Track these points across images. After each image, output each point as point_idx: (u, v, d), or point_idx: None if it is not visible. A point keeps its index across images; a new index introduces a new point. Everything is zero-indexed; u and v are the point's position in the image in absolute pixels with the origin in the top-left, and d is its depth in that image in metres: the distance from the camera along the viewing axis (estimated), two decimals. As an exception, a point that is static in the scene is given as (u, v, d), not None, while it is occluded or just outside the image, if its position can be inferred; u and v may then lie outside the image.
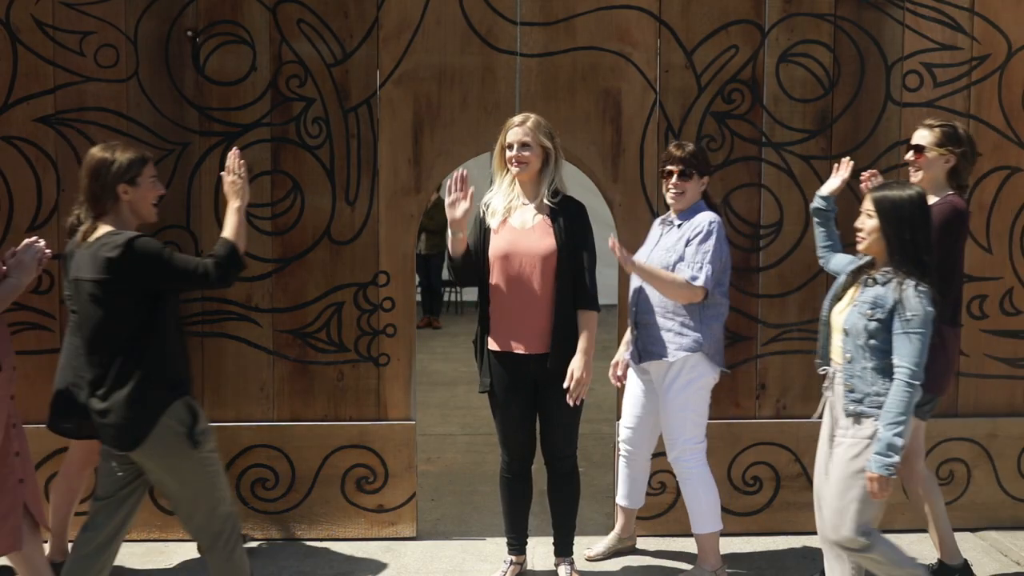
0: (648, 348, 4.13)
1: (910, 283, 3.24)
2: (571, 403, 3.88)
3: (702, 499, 4.14)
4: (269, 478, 4.66)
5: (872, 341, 3.28)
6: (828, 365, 3.53)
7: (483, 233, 4.01)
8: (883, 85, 4.73)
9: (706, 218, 4.07)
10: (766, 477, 4.70)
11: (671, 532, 4.68)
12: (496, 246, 3.95)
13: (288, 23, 4.56)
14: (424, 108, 4.64)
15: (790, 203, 4.71)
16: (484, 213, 4.03)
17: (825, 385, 3.54)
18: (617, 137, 4.65)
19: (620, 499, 4.53)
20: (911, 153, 4.01)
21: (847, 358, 3.37)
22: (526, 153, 3.89)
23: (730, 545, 4.55)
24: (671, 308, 4.07)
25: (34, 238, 3.49)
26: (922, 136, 3.99)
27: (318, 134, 4.61)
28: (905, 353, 3.22)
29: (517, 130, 3.91)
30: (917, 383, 3.21)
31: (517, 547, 4.24)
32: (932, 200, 3.87)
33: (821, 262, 4.13)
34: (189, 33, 4.53)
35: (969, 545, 4.67)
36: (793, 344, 4.73)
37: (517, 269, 3.92)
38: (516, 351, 3.94)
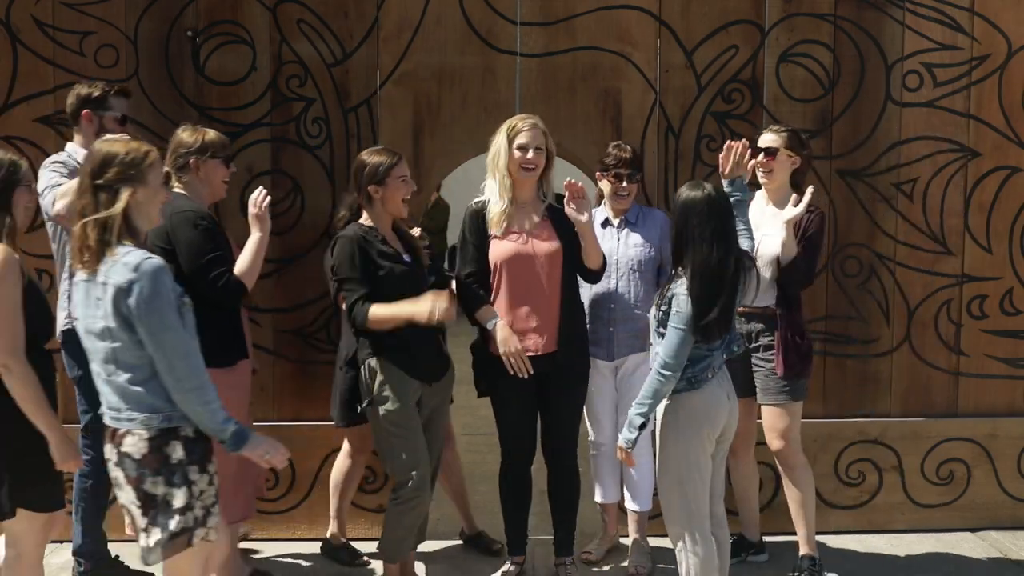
0: (631, 343, 4.25)
1: (682, 282, 3.36)
2: (573, 208, 3.84)
3: (651, 480, 4.27)
4: (269, 478, 4.63)
5: (660, 329, 3.45)
6: None
7: (486, 236, 3.98)
8: (883, 85, 4.73)
9: (666, 215, 4.33)
10: (767, 477, 4.69)
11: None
12: (500, 251, 3.95)
13: (288, 23, 4.56)
14: (424, 108, 4.64)
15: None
16: (485, 216, 3.98)
17: None
18: (617, 137, 4.63)
19: (598, 497, 4.54)
20: (762, 156, 4.06)
21: (651, 343, 3.55)
22: (540, 157, 3.91)
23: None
24: (648, 301, 4.19)
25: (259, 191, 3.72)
26: (771, 140, 4.09)
27: (318, 134, 4.61)
28: (663, 344, 3.40)
29: (534, 132, 3.89)
30: (668, 373, 3.37)
31: (517, 547, 4.24)
32: (785, 208, 4.00)
33: None
34: (189, 33, 4.53)
35: (969, 545, 4.68)
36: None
37: (524, 272, 3.92)
38: (524, 354, 3.94)
